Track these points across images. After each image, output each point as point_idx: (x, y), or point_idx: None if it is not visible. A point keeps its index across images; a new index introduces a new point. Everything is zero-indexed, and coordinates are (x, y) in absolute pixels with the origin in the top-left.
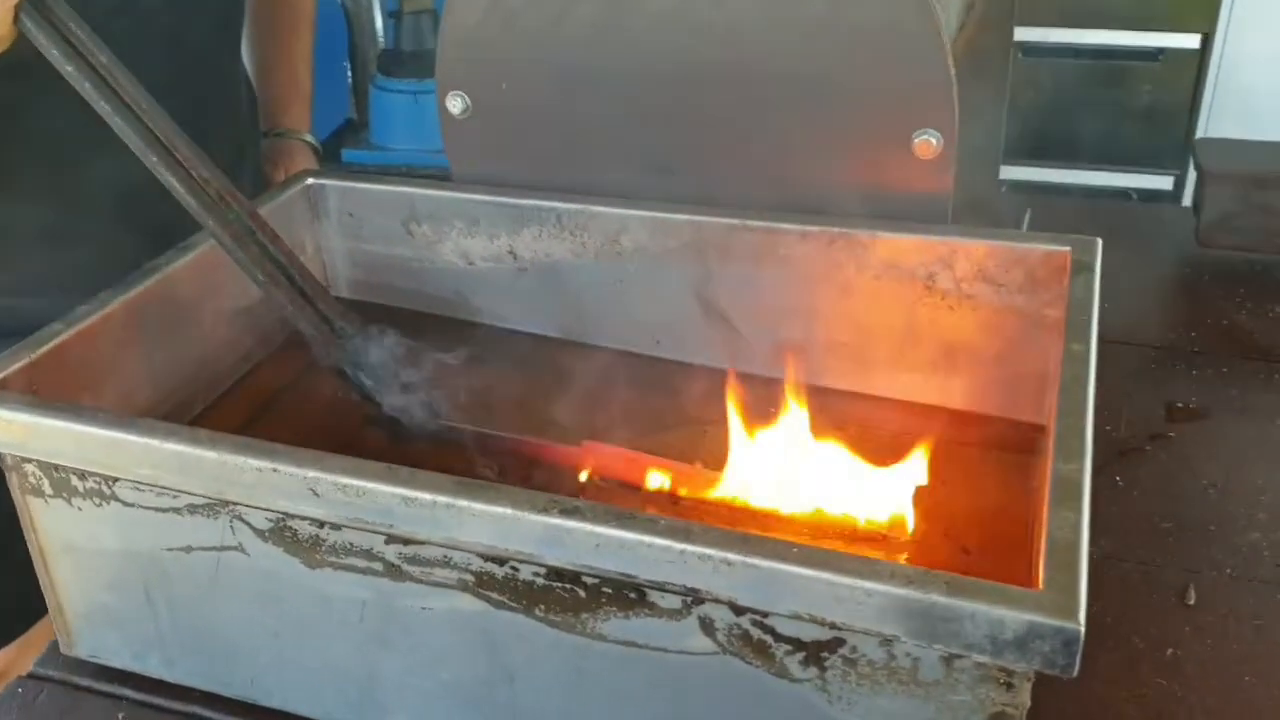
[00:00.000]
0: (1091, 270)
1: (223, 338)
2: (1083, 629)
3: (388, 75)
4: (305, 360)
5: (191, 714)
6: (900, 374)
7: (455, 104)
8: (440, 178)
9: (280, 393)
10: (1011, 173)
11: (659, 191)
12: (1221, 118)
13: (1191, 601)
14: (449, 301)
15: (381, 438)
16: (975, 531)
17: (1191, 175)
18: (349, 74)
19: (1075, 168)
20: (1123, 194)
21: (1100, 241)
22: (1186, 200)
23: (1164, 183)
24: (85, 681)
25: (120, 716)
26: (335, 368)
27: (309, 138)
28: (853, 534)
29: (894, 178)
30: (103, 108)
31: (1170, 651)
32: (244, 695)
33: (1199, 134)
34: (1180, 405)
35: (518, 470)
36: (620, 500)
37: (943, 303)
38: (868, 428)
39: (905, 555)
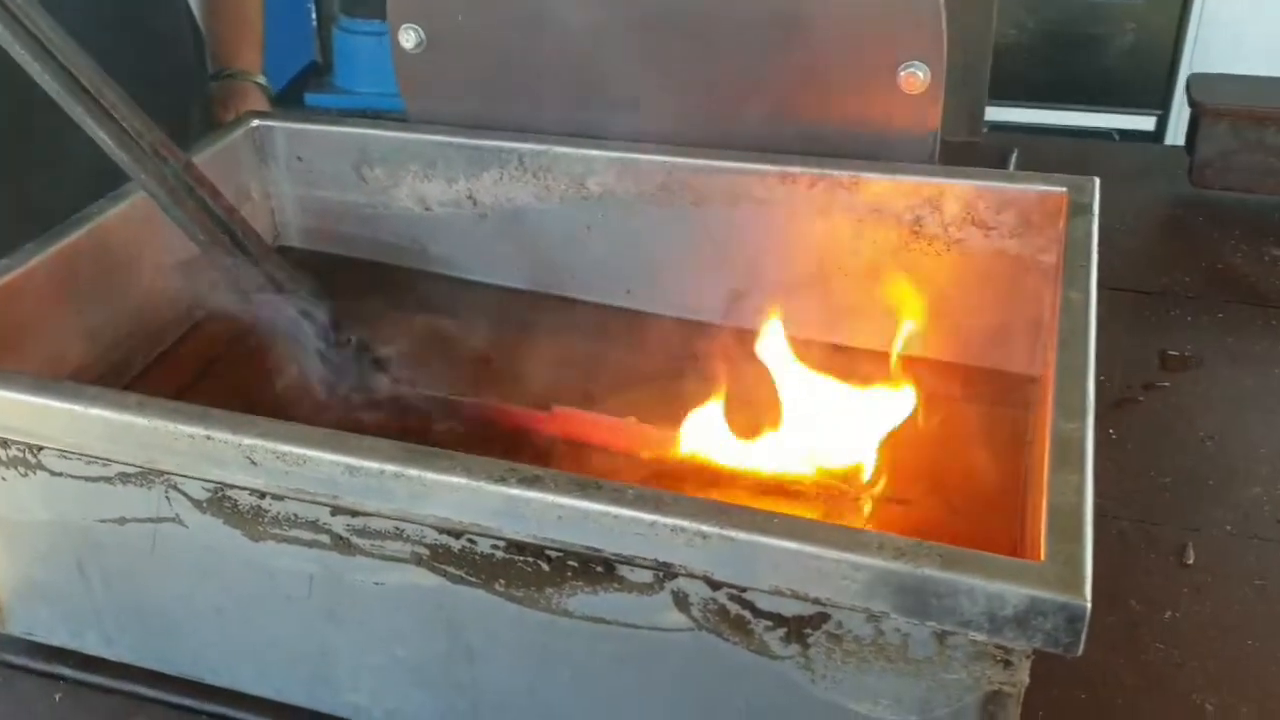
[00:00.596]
0: (1089, 212)
1: (162, 292)
2: (1089, 604)
3: (351, 15)
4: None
5: (133, 693)
6: (883, 323)
7: (409, 37)
8: (403, 120)
9: (227, 349)
10: (990, 113)
11: (628, 130)
12: (1206, 56)
13: (1190, 561)
14: (406, 250)
15: (337, 400)
16: (962, 489)
17: (1175, 114)
18: (313, 15)
19: (1055, 108)
20: (1104, 134)
21: (1098, 181)
22: (1169, 140)
23: (1146, 123)
24: (20, 660)
25: (58, 697)
26: (283, 332)
27: (260, 79)
28: (822, 492)
29: (878, 114)
30: (19, 53)
31: (1169, 614)
32: (189, 673)
33: (1181, 73)
34: (1174, 353)
35: (479, 437)
36: (593, 469)
37: (930, 248)
38: (850, 380)
39: (868, 510)
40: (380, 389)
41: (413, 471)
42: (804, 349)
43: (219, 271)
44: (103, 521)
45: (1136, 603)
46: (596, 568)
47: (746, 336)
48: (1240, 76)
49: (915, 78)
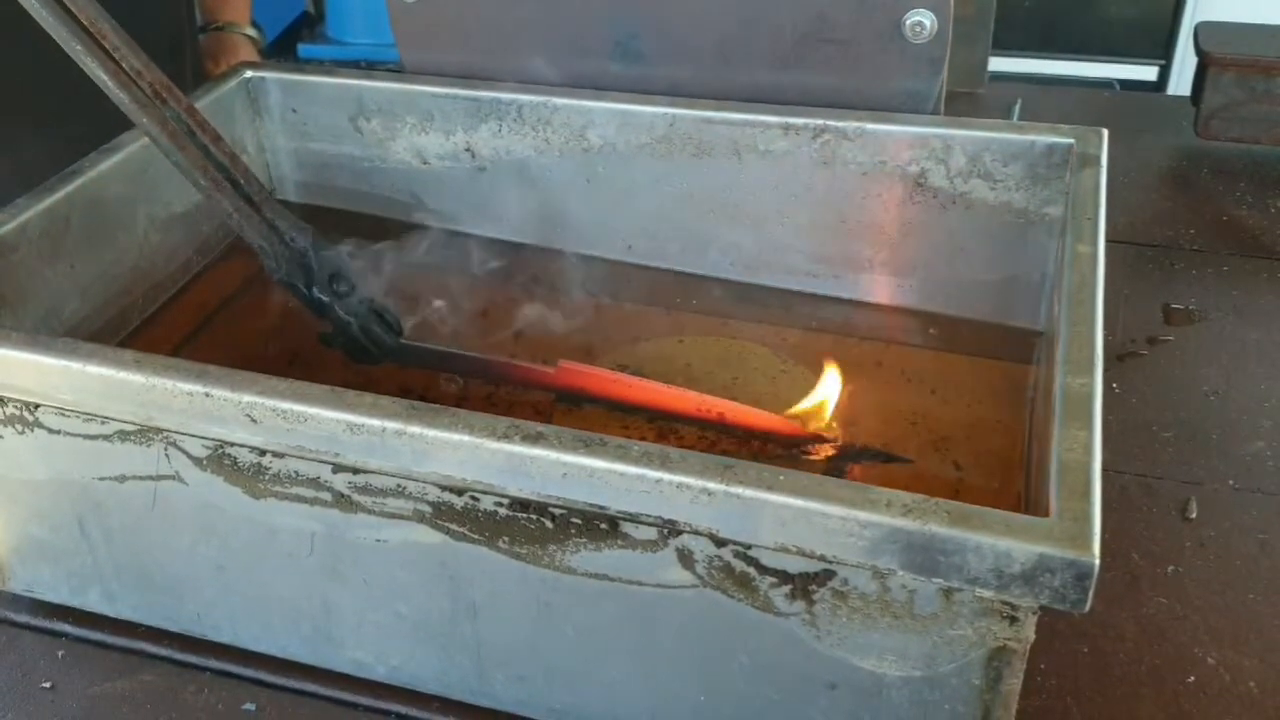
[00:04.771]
0: (1098, 164)
1: (158, 245)
2: (1097, 561)
3: None
4: (252, 268)
5: (137, 650)
6: (887, 278)
7: None
8: (399, 72)
9: (225, 304)
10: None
11: (629, 81)
12: (1209, 5)
13: (1193, 515)
14: (403, 204)
15: (338, 353)
16: (967, 446)
17: (1177, 64)
18: None
19: (1054, 57)
20: (1105, 84)
21: (1106, 132)
22: (1171, 91)
23: (1148, 73)
24: (22, 617)
25: (60, 654)
26: (285, 282)
27: (251, 31)
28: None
29: (883, 64)
30: None
31: (1171, 568)
32: (191, 630)
33: (1186, 20)
34: (1178, 307)
35: (485, 392)
36: (598, 425)
37: (934, 201)
38: (852, 335)
39: (830, 450)
40: (385, 343)
41: (415, 429)
42: (804, 304)
43: (220, 220)
44: (102, 479)
45: (1139, 557)
46: (600, 525)
47: (749, 291)
48: (1248, 25)
49: (921, 26)
